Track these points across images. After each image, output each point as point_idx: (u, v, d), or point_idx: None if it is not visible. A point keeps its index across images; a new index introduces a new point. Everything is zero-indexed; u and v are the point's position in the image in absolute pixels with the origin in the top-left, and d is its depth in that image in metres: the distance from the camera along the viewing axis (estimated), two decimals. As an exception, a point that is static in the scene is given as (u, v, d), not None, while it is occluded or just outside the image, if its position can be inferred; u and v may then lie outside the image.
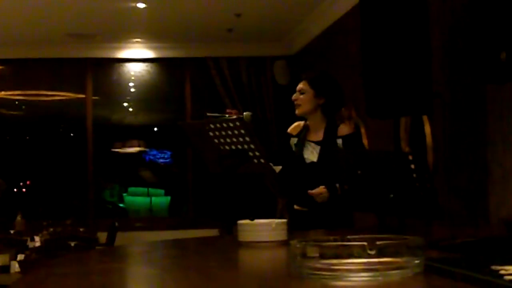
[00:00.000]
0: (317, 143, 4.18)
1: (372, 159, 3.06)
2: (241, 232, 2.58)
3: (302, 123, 4.35)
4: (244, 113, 4.09)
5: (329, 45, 7.65)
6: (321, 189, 4.06)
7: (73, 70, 9.44)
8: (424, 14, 3.86)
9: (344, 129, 4.18)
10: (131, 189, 10.80)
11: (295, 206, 4.32)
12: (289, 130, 4.42)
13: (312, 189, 4.13)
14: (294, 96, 4.28)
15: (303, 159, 4.20)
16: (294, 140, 4.32)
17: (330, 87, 4.25)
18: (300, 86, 4.29)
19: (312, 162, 4.16)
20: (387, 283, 1.45)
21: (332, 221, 4.05)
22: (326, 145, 4.12)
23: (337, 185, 3.89)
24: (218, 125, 3.59)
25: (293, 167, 4.24)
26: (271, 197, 8.66)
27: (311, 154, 4.18)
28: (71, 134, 10.01)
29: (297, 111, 4.28)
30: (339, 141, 4.11)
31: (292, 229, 2.81)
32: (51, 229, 6.85)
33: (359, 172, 3.04)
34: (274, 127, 8.99)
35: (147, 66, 9.56)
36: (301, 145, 4.24)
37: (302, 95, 4.24)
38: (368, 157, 3.15)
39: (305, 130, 4.29)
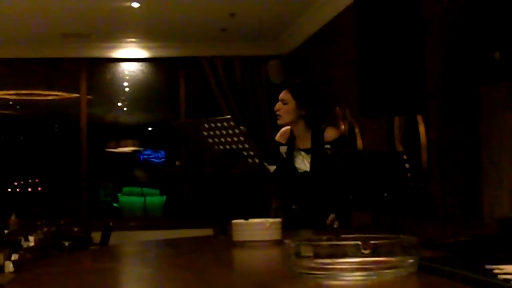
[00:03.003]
0: (306, 151, 4.15)
1: (367, 158, 3.06)
2: (236, 232, 2.58)
3: (288, 128, 4.29)
4: (240, 128, 4.04)
5: (323, 44, 7.66)
6: (332, 216, 4.05)
7: (67, 69, 9.43)
8: (418, 14, 3.87)
9: (330, 134, 4.09)
10: (125, 188, 10.79)
11: (293, 206, 4.31)
12: (276, 138, 4.33)
13: (305, 197, 4.14)
14: (276, 106, 4.16)
15: (295, 169, 4.18)
16: (284, 148, 4.26)
17: (313, 97, 4.13)
18: (282, 95, 4.15)
19: (305, 172, 4.15)
20: (381, 282, 1.45)
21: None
22: (315, 153, 4.10)
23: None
24: (212, 124, 3.59)
25: (286, 176, 4.22)
26: (266, 196, 8.66)
27: (303, 163, 4.16)
28: (65, 134, 9.99)
29: (278, 122, 4.19)
30: (328, 146, 4.06)
31: (290, 229, 2.80)
32: (45, 229, 6.84)
33: (353, 171, 3.04)
34: (268, 126, 8.99)
35: (141, 65, 9.55)
36: (291, 154, 4.20)
37: (284, 105, 4.13)
38: (363, 156, 3.15)
39: (292, 138, 4.25)
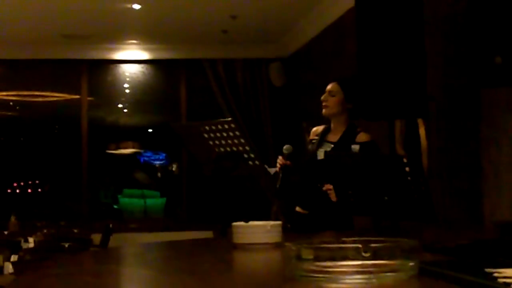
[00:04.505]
0: (332, 143, 4.19)
1: (367, 162, 3.06)
2: (236, 234, 2.57)
3: (321, 127, 4.35)
4: (284, 146, 4.10)
5: (325, 47, 7.66)
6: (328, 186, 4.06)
7: (68, 71, 9.43)
8: (419, 18, 3.87)
9: (363, 136, 4.15)
10: (126, 190, 10.79)
11: (297, 209, 4.31)
12: (310, 137, 4.43)
13: (316, 189, 4.14)
14: (323, 97, 4.22)
15: (316, 156, 4.20)
16: (314, 141, 4.33)
17: (360, 93, 4.23)
18: (331, 87, 4.23)
19: (322, 159, 4.17)
20: (381, 285, 1.45)
21: (332, 224, 4.05)
22: (340, 145, 4.12)
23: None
24: (213, 127, 3.60)
25: (305, 164, 4.24)
26: (266, 199, 8.66)
27: (323, 152, 4.19)
28: (66, 135, 9.99)
29: (324, 111, 4.23)
30: (356, 146, 4.09)
31: (294, 232, 2.79)
32: (45, 230, 6.85)
33: (354, 175, 3.04)
34: (269, 128, 8.99)
35: (142, 67, 9.55)
36: (317, 144, 4.24)
37: (332, 97, 4.20)
38: (363, 160, 3.15)
39: (324, 132, 4.30)
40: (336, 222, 4.06)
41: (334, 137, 4.23)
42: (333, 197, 4.01)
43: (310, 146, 4.32)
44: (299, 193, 4.36)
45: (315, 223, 4.11)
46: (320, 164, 4.16)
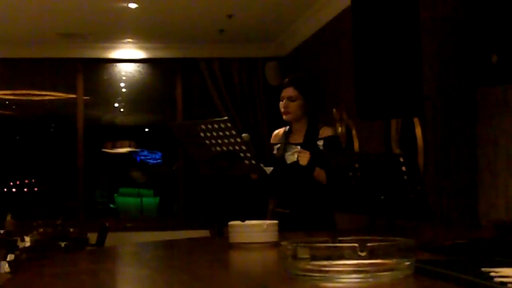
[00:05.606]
0: (298, 144, 4.19)
1: (363, 161, 3.06)
2: (232, 233, 2.57)
3: (281, 130, 4.35)
4: (243, 135, 4.06)
5: (321, 46, 7.66)
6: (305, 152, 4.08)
7: (64, 70, 9.41)
8: (415, 17, 3.87)
9: (325, 131, 4.17)
10: (122, 189, 10.78)
11: (277, 209, 4.33)
12: (271, 140, 4.42)
13: (295, 189, 4.15)
14: (283, 104, 4.20)
15: (284, 160, 4.20)
16: (277, 146, 4.33)
17: (317, 93, 4.24)
18: (289, 93, 4.19)
19: (294, 162, 4.17)
20: (377, 284, 1.45)
21: (313, 223, 4.05)
22: (306, 146, 4.13)
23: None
24: (209, 126, 3.59)
25: (276, 170, 4.23)
26: (262, 198, 8.65)
27: (292, 155, 4.19)
28: (62, 134, 9.98)
29: (286, 117, 4.22)
30: (320, 142, 4.11)
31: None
32: (41, 230, 6.83)
33: (350, 173, 3.04)
34: (265, 128, 8.99)
35: (138, 66, 9.54)
36: (283, 148, 4.24)
37: (292, 102, 4.17)
38: (359, 159, 3.15)
39: (286, 134, 4.29)
40: (317, 221, 4.07)
41: (298, 138, 4.23)
42: (302, 160, 4.05)
43: (275, 152, 4.31)
44: (278, 195, 4.37)
45: (296, 222, 4.10)
46: (290, 168, 4.17)
